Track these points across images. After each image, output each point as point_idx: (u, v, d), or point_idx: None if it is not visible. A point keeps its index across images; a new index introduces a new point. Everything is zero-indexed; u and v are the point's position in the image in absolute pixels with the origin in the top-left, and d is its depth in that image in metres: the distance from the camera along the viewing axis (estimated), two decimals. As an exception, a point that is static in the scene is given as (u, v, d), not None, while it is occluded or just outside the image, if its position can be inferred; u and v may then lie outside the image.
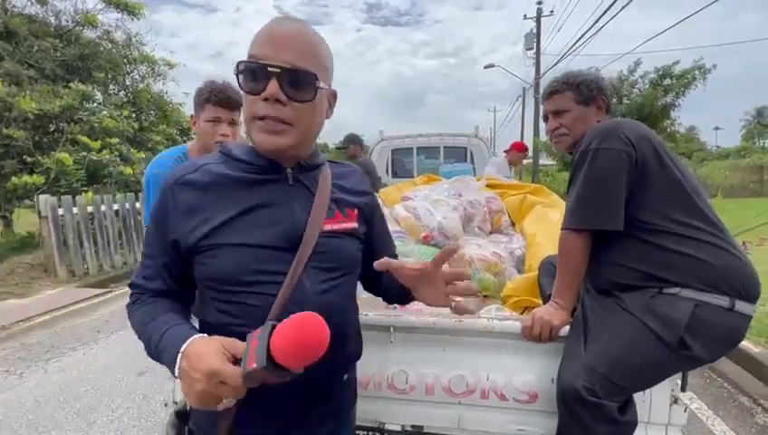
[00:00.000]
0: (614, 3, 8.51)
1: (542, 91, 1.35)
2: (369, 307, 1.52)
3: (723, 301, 0.96)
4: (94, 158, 6.52)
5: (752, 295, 0.99)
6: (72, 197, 5.72)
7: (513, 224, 2.53)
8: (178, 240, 0.69)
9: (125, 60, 8.16)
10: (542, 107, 1.35)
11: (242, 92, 0.69)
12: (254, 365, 0.52)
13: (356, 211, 0.81)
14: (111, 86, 8.26)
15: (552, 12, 16.24)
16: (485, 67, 18.17)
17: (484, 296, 1.74)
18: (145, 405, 2.58)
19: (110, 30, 7.94)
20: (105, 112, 7.34)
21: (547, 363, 1.10)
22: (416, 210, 1.82)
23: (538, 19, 15.91)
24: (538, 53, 15.72)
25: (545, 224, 2.03)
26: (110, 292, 5.15)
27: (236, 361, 0.55)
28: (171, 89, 10.37)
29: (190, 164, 0.74)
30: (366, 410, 1.21)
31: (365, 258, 0.84)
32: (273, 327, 0.54)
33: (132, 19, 8.05)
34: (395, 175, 5.16)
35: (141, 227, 6.27)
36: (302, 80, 0.66)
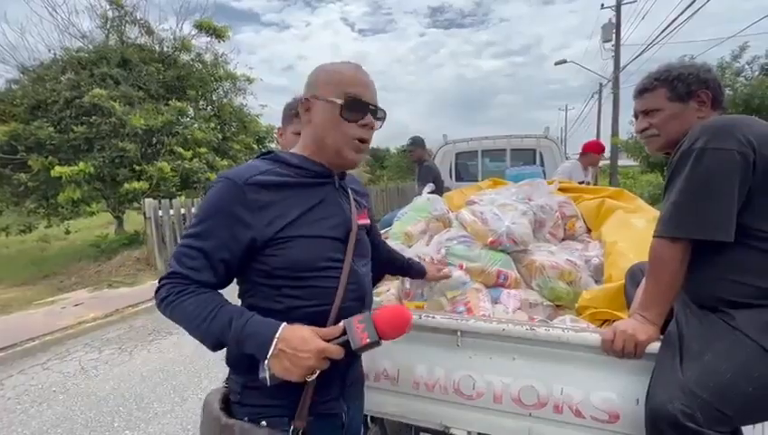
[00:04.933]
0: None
1: (634, 87, 1.23)
2: (434, 309, 1.54)
3: None
4: (187, 166, 7.41)
5: None
6: (168, 200, 6.56)
7: (588, 230, 2.36)
8: (254, 235, 0.76)
9: (212, 78, 9.15)
10: (633, 103, 1.23)
11: (336, 116, 0.84)
12: (368, 340, 0.73)
13: (365, 210, 1.02)
14: (201, 102, 9.31)
15: (634, -2, 14.65)
16: (557, 63, 16.90)
17: (557, 306, 1.65)
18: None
19: (201, 52, 8.98)
20: (196, 125, 8.31)
21: (632, 382, 1.02)
22: (482, 214, 1.78)
23: (618, 7, 14.54)
24: (618, 45, 14.34)
25: (628, 231, 1.86)
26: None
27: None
28: (249, 102, 11.32)
29: (251, 167, 0.83)
30: (432, 413, 1.22)
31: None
32: (371, 314, 0.76)
33: (219, 42, 9.02)
34: (459, 179, 5.07)
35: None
36: (381, 115, 0.92)
